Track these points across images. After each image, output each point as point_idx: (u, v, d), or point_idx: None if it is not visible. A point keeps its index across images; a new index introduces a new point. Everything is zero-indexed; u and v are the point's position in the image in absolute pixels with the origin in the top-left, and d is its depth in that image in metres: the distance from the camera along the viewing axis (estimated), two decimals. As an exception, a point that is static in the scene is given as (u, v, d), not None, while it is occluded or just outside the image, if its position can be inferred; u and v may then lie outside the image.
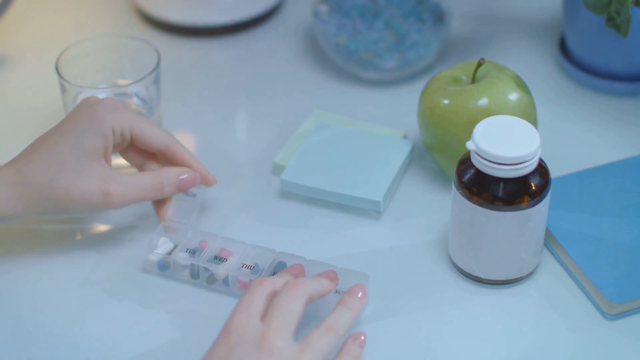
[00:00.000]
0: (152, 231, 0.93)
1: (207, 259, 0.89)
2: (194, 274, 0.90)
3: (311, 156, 0.99)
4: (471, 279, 0.90)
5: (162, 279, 0.91)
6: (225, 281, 0.89)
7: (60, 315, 0.88)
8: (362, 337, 0.82)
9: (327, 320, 0.80)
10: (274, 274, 0.88)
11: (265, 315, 0.78)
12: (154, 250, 0.90)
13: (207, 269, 0.89)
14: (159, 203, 0.93)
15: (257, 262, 0.89)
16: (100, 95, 1.01)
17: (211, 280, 0.90)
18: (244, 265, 0.89)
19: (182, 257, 0.90)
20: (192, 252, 0.90)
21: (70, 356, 0.85)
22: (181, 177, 0.91)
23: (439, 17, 1.11)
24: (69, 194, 0.86)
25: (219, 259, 0.89)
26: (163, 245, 0.91)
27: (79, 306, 0.89)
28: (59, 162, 0.86)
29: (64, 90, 1.00)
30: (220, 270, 0.89)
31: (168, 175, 0.91)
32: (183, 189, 0.92)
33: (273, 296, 0.80)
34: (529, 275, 0.90)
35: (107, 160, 0.89)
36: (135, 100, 1.02)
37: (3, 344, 0.86)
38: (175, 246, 0.91)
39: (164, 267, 0.90)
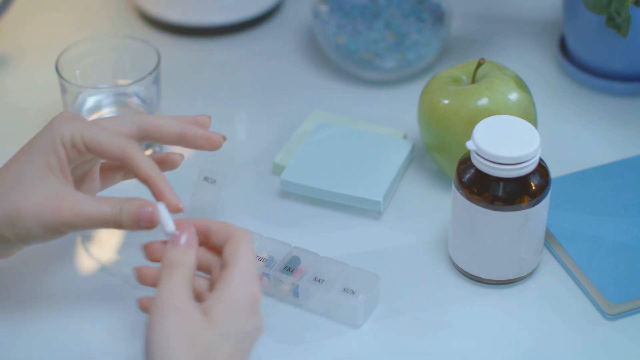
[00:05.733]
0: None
1: None
2: None
3: (311, 156, 0.99)
4: (471, 279, 0.90)
5: None
6: None
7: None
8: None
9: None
10: (286, 267, 0.88)
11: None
12: None
13: None
14: None
15: (272, 255, 0.90)
16: (100, 96, 1.02)
17: None
18: (257, 258, 0.89)
19: None
20: None
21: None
22: (142, 209, 0.79)
23: (439, 17, 1.11)
24: (20, 210, 0.79)
25: None
26: None
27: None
28: (13, 179, 0.81)
29: (64, 90, 1.00)
30: None
31: (129, 204, 0.79)
32: (141, 224, 0.79)
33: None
34: (529, 275, 0.90)
35: (65, 176, 0.82)
36: (135, 100, 1.02)
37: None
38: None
39: None
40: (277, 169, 1.01)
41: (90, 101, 1.02)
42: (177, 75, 1.12)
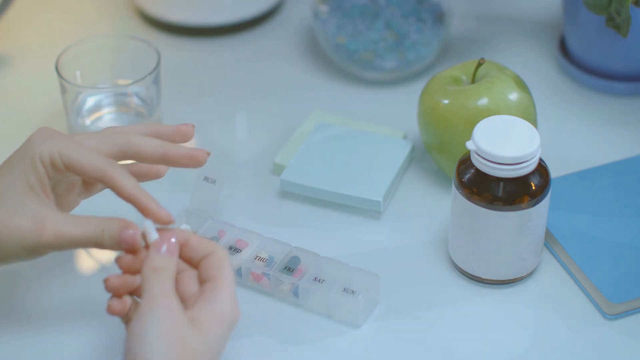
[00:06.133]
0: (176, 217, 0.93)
1: None
2: None
3: (311, 156, 0.99)
4: (471, 279, 0.90)
5: None
6: (239, 272, 0.89)
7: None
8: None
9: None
10: (286, 267, 0.88)
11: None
12: None
13: None
14: None
15: (272, 255, 0.90)
16: (100, 96, 1.02)
17: None
18: (257, 258, 0.89)
19: None
20: None
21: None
22: (124, 232, 0.77)
23: (439, 17, 1.11)
24: (0, 233, 0.78)
25: (234, 249, 0.90)
26: None
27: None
28: None
29: (64, 90, 1.00)
30: (234, 261, 0.89)
31: (111, 225, 0.78)
32: (123, 246, 0.78)
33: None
34: (529, 275, 0.90)
35: (46, 194, 0.80)
36: (135, 100, 1.02)
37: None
38: (195, 233, 0.91)
39: None
40: (277, 169, 1.01)
41: (90, 101, 1.02)
42: (177, 75, 1.12)
